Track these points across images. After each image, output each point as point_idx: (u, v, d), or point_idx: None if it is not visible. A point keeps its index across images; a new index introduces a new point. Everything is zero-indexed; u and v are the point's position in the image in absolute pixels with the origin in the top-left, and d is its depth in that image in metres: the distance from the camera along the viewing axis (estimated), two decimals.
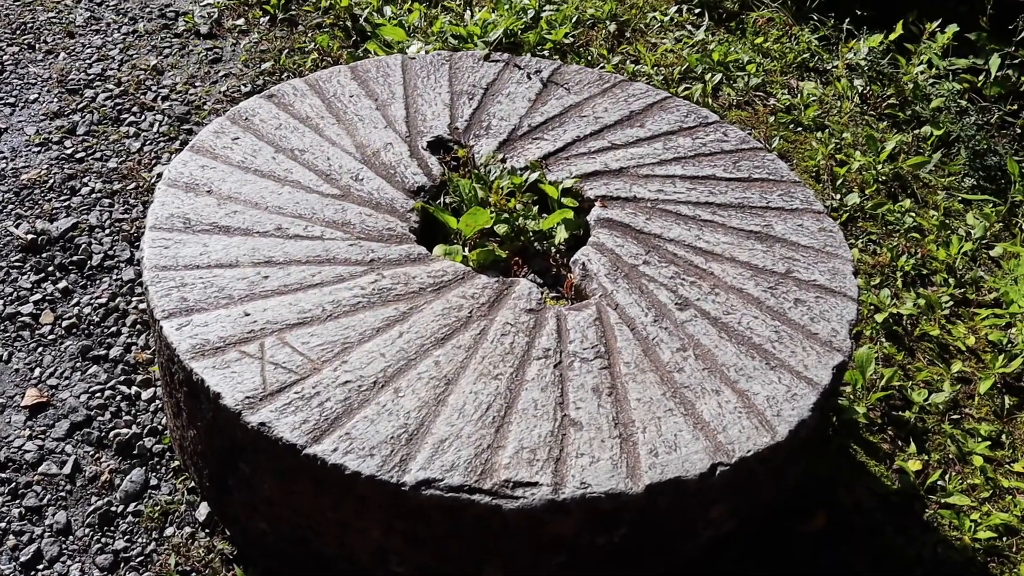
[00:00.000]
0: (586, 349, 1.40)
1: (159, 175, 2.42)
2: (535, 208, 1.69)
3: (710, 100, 2.95)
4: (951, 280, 2.36)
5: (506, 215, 1.64)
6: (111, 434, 1.84)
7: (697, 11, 3.46)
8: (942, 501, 1.86)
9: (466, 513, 1.20)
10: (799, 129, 2.85)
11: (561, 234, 1.67)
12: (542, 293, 1.55)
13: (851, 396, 2.04)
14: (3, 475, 1.77)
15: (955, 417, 2.05)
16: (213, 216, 1.57)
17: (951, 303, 2.29)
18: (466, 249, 1.61)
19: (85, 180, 2.39)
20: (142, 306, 2.08)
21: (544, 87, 1.99)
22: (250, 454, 1.29)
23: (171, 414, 1.54)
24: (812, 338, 1.46)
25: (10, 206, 2.29)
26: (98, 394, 1.91)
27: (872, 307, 2.26)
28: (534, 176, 1.68)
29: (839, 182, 2.64)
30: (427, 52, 1.99)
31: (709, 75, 3.02)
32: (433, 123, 1.86)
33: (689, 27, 3.36)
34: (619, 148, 1.83)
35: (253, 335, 1.37)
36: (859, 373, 2.04)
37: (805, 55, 3.20)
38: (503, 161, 1.78)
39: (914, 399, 2.05)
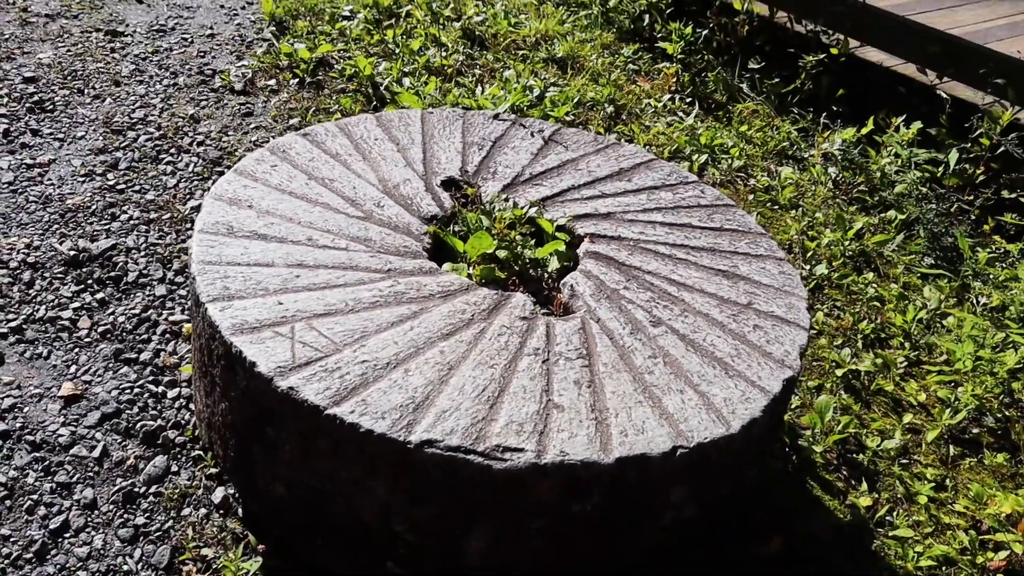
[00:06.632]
0: (570, 351, 1.62)
1: (194, 208, 2.66)
2: (531, 240, 1.93)
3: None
4: (907, 344, 2.59)
5: (507, 243, 1.88)
6: (138, 425, 2.04)
7: (688, 100, 3.79)
8: (889, 534, 2.05)
9: (461, 471, 1.40)
10: (775, 207, 3.13)
11: (554, 263, 1.91)
12: (535, 306, 1.77)
13: (810, 438, 2.24)
14: (37, 454, 1.96)
15: (904, 462, 2.26)
16: (253, 225, 1.81)
17: (905, 363, 2.52)
18: (470, 268, 1.85)
19: (125, 208, 2.64)
20: (172, 318, 2.30)
21: (545, 144, 2.26)
22: (277, 418, 1.50)
23: (203, 394, 1.74)
24: (767, 356, 1.69)
25: (55, 226, 2.53)
26: (128, 391, 2.12)
27: (833, 363, 2.48)
28: (532, 211, 1.93)
29: (809, 254, 2.89)
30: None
31: (696, 155, 3.32)
32: (447, 166, 2.11)
33: (680, 114, 3.67)
34: (608, 197, 2.09)
35: (285, 320, 1.59)
36: (818, 417, 2.25)
37: (785, 144, 3.50)
38: (506, 200, 2.02)
39: (868, 444, 2.26)
